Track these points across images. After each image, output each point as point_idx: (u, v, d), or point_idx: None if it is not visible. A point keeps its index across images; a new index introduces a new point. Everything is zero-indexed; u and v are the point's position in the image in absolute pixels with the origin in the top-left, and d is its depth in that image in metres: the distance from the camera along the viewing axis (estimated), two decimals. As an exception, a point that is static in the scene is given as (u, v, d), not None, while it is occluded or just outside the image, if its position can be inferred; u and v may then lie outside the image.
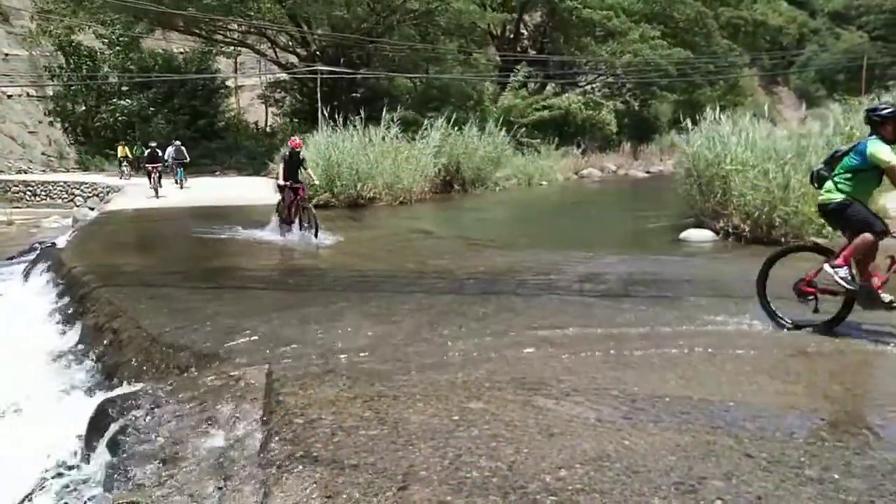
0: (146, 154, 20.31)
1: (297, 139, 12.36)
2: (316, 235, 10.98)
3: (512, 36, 37.82)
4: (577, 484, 2.82)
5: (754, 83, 51.91)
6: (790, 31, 45.55)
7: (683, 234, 10.50)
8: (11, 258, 12.95)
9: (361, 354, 4.69)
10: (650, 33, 34.66)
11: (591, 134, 33.94)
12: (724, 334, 5.29)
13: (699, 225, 10.76)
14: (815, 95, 53.30)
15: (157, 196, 18.76)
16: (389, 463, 3.02)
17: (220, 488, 3.05)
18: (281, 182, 11.61)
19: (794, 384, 4.18)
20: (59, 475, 4.09)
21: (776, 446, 3.22)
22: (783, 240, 9.47)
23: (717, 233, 10.35)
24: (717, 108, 12.56)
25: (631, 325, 5.53)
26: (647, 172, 31.20)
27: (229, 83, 37.86)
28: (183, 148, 21.80)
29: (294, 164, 11.70)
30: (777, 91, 61.22)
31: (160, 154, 20.42)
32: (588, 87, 38.39)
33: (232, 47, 34.27)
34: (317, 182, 14.31)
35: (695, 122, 12.29)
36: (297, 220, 11.55)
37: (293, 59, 31.90)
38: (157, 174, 19.33)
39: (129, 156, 25.82)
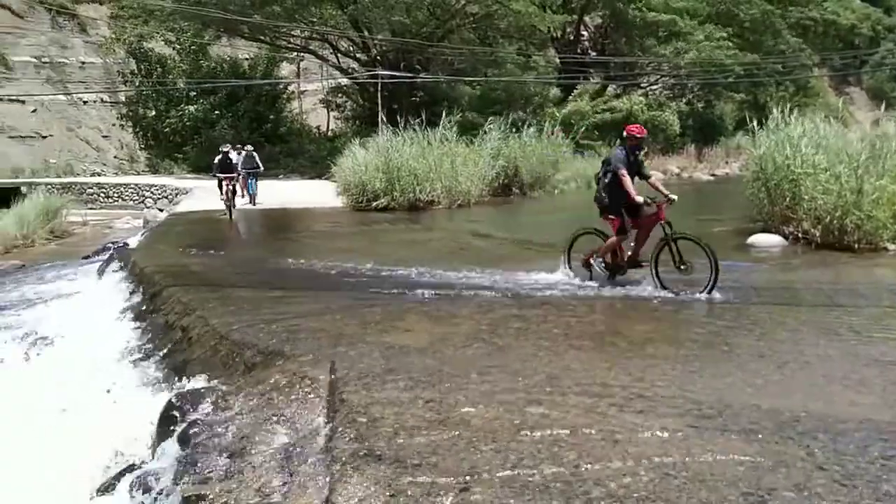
0: (216, 162, 16.22)
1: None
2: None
3: (572, 38, 37.47)
4: (642, 491, 2.78)
5: (824, 84, 50.13)
6: (863, 29, 43.73)
7: (751, 239, 10.22)
8: (87, 257, 13.52)
9: (422, 355, 4.72)
10: (716, 34, 33.86)
11: (654, 136, 33.32)
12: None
13: (767, 230, 10.45)
14: (890, 96, 51.09)
15: (230, 217, 15.61)
16: (451, 464, 3.03)
17: (285, 483, 3.11)
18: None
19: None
20: (132, 467, 4.24)
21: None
22: (856, 246, 9.15)
23: (786, 238, 10.03)
24: (786, 110, 12.18)
25: (689, 333, 5.42)
26: (712, 175, 30.46)
27: (292, 88, 38.64)
28: (255, 154, 18.42)
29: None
30: (849, 91, 58.91)
31: (233, 161, 16.84)
32: (650, 89, 37.75)
33: (295, 53, 35.00)
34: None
35: (761, 124, 11.94)
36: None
37: (354, 64, 32.36)
38: (231, 186, 15.97)
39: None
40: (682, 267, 6.80)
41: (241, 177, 17.47)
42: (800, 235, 9.89)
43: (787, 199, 10.26)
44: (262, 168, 18.72)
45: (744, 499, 2.76)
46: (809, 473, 2.98)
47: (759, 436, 3.36)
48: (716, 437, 3.32)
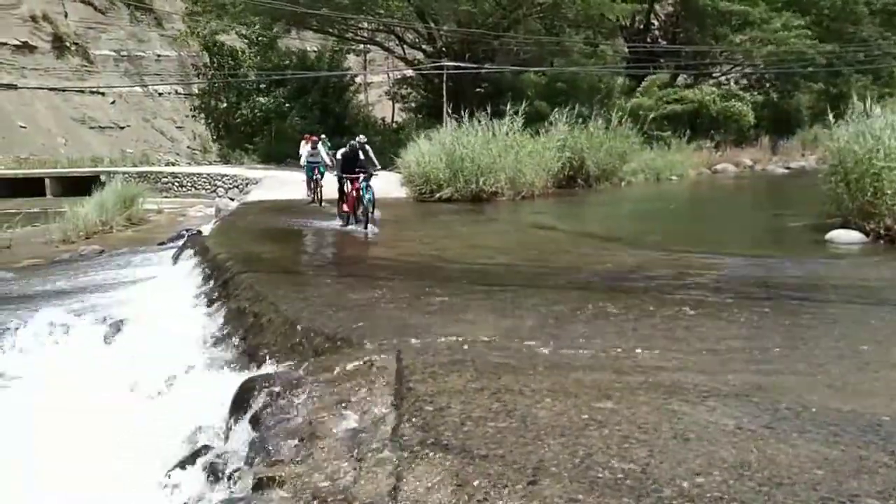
0: (338, 156, 12.69)
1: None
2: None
3: (642, 26, 36.67)
4: (716, 492, 2.71)
5: (910, 73, 47.67)
6: (954, 14, 41.31)
7: (829, 235, 9.82)
8: (162, 244, 14.01)
9: (487, 347, 4.71)
10: (793, 22, 32.58)
11: (726, 127, 32.37)
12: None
13: (846, 225, 10.02)
14: (982, 85, 48.32)
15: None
16: (518, 456, 3.02)
17: (354, 468, 3.16)
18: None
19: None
20: (206, 448, 4.37)
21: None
22: (944, 243, 8.69)
23: (867, 234, 9.60)
24: (868, 100, 11.64)
25: (770, 329, 5.25)
26: (787, 168, 29.43)
27: (358, 80, 39.08)
28: (369, 149, 12.41)
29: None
30: (938, 81, 55.96)
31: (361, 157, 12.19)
32: (723, 79, 36.65)
33: (362, 45, 35.36)
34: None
35: (840, 115, 11.45)
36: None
37: (419, 55, 32.49)
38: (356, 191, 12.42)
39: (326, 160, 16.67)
40: None
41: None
42: (882, 232, 9.45)
43: (869, 193, 9.81)
44: (378, 167, 12.78)
45: (823, 503, 2.66)
46: (895, 479, 2.85)
47: (840, 438, 3.23)
48: (793, 438, 3.21)
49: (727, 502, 2.64)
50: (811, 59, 31.42)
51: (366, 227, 11.49)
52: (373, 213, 11.83)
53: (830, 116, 11.52)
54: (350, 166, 12.14)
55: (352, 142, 12.24)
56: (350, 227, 12.12)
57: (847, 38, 34.64)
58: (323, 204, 15.68)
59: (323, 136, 18.71)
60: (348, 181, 12.15)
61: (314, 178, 16.30)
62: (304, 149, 16.54)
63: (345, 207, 12.35)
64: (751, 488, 2.75)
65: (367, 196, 11.62)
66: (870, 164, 9.82)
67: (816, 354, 4.67)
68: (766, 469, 2.90)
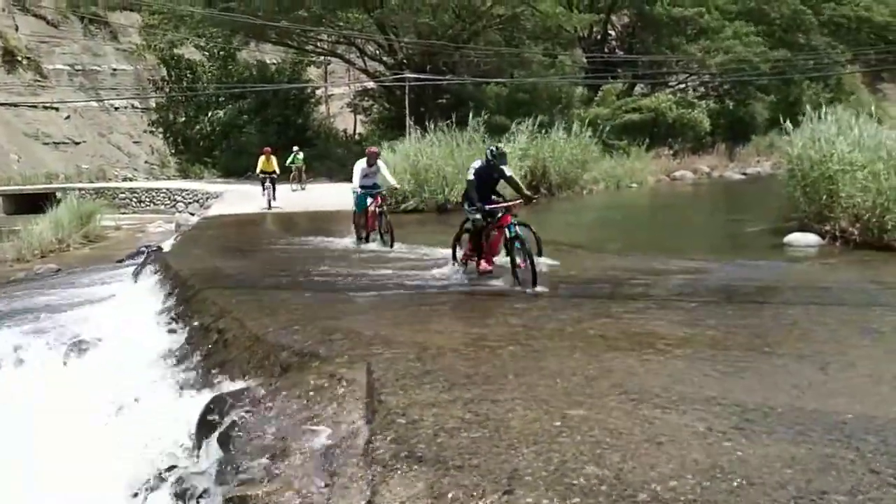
0: (470, 174, 7.98)
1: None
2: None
3: (599, 37, 37.25)
4: (689, 494, 2.74)
5: (857, 81, 49.19)
6: (897, 26, 42.77)
7: (787, 238, 10.05)
8: (121, 261, 13.71)
9: (457, 357, 4.70)
10: (744, 30, 33.43)
11: (683, 135, 33.00)
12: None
13: (803, 228, 10.27)
14: (925, 92, 50.08)
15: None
16: (493, 466, 3.01)
17: (327, 485, 3.11)
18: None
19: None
20: (172, 468, 4.28)
21: None
22: (897, 244, 8.96)
23: (822, 237, 9.85)
24: (821, 108, 11.99)
25: (733, 332, 5.34)
26: (743, 174, 30.08)
27: (319, 92, 38.93)
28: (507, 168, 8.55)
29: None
30: (882, 89, 57.84)
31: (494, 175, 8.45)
32: (679, 87, 37.39)
33: (322, 57, 35.25)
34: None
35: (794, 122, 11.77)
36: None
37: (381, 67, 32.51)
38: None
39: (277, 170, 19.11)
40: None
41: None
42: (837, 234, 9.70)
43: (824, 197, 10.08)
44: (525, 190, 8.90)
45: (794, 502, 2.70)
46: (861, 477, 2.90)
47: (807, 438, 3.29)
48: (763, 439, 3.26)
49: (701, 505, 2.66)
50: (758, 66, 32.20)
51: (534, 286, 7.07)
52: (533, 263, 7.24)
53: (788, 123, 11.81)
54: (486, 191, 7.95)
55: (490, 148, 7.99)
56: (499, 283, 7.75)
57: (798, 48, 35.66)
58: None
59: (295, 147, 19.33)
60: (476, 216, 7.73)
61: (374, 209, 11.54)
62: (359, 167, 11.40)
63: (485, 265, 7.95)
64: (724, 490, 2.78)
65: (518, 243, 7.41)
66: (825, 169, 10.10)
67: (779, 356, 4.76)
68: (737, 470, 2.93)
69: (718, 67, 33.11)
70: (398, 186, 12.73)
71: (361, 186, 11.32)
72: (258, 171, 18.60)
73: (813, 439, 3.27)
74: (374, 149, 12.04)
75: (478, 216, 7.65)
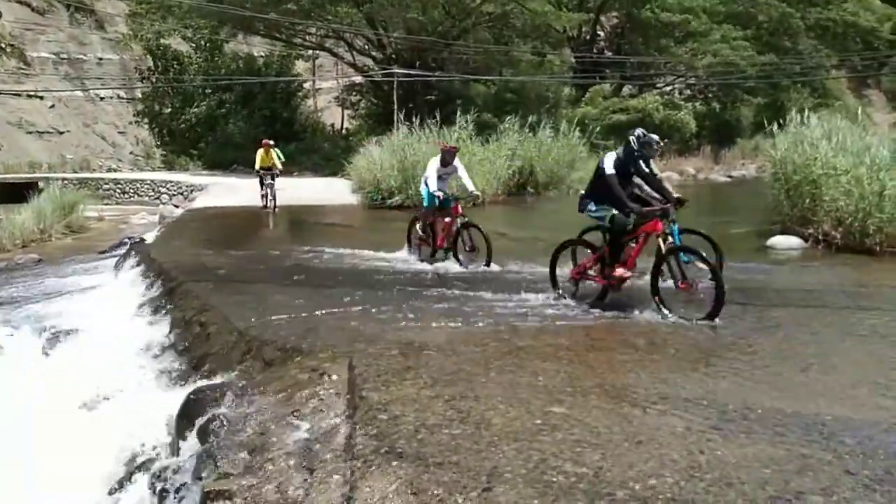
0: (608, 167, 6.37)
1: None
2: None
3: (588, 37, 37.33)
4: (668, 493, 2.75)
5: (843, 86, 49.61)
6: (883, 31, 43.13)
7: (770, 241, 10.11)
8: (103, 252, 13.59)
9: (441, 352, 4.69)
10: (731, 34, 33.61)
11: (670, 136, 33.15)
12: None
13: (786, 231, 10.34)
14: (909, 98, 50.60)
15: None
16: (473, 463, 3.01)
17: (306, 480, 3.10)
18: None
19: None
20: (151, 462, 4.24)
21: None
22: (878, 248, 9.04)
23: (805, 240, 9.93)
24: (805, 111, 12.07)
25: (715, 333, 5.37)
26: (729, 177, 30.23)
27: (307, 86, 38.72)
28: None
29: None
30: (868, 94, 58.39)
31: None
32: (667, 89, 37.56)
33: (310, 51, 35.04)
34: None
35: (780, 125, 11.83)
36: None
37: (369, 62, 32.38)
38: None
39: (279, 165, 16.20)
40: None
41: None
42: (820, 237, 9.77)
43: (807, 200, 10.15)
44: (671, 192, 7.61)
45: (771, 502, 2.72)
46: (837, 477, 2.93)
47: (785, 438, 3.31)
48: (741, 439, 3.28)
49: (679, 503, 2.67)
50: (744, 70, 32.38)
51: (713, 317, 5.64)
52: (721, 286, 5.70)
53: (774, 127, 11.87)
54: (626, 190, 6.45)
55: (638, 133, 6.46)
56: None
57: (784, 51, 35.91)
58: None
59: (271, 142, 17.42)
60: (627, 221, 6.29)
61: (450, 221, 9.09)
62: (433, 166, 9.20)
63: (622, 271, 6.38)
64: (702, 489, 2.79)
65: (685, 260, 6.10)
66: (808, 173, 10.18)
67: (760, 357, 4.79)
68: (715, 469, 2.95)
69: (705, 70, 33.28)
70: (478, 194, 9.43)
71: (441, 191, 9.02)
72: (256, 167, 15.99)
73: (791, 440, 3.30)
74: (451, 145, 9.77)
75: (629, 221, 6.19)
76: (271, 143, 16.50)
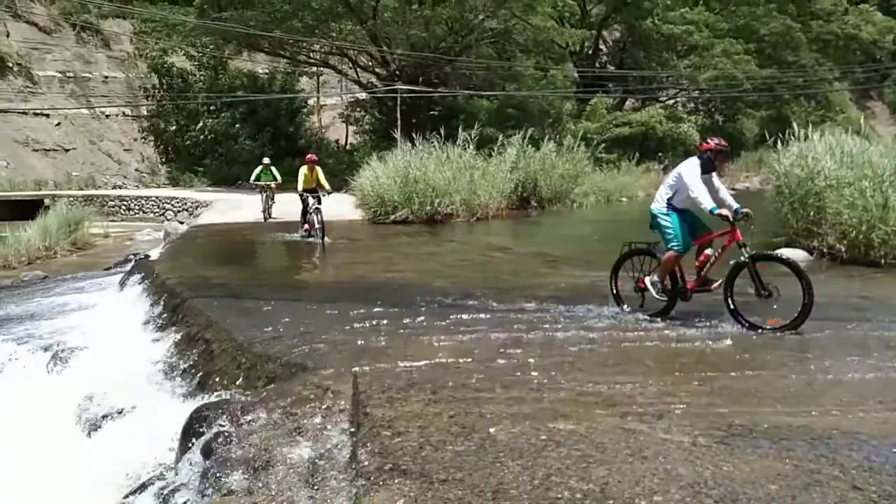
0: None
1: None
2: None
3: (591, 52, 37.52)
4: (674, 509, 2.73)
5: (846, 98, 49.73)
6: (885, 43, 43.30)
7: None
8: (108, 269, 13.61)
9: (445, 369, 4.68)
10: (733, 48, 33.75)
11: (673, 149, 33.23)
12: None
13: (791, 244, 10.33)
14: (913, 110, 50.69)
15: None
16: (478, 479, 2.99)
17: (311, 498, 3.08)
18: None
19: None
20: (155, 479, 4.22)
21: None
22: (883, 261, 9.02)
23: (810, 252, 9.91)
24: (808, 125, 12.10)
25: (720, 345, 5.35)
26: (733, 190, 30.00)
27: (311, 102, 38.95)
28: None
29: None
30: (870, 106, 58.51)
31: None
32: (669, 102, 37.68)
33: (315, 67, 35.28)
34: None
35: (783, 139, 11.87)
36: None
37: (373, 78, 32.59)
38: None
39: (326, 186, 14.03)
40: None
41: None
42: (825, 250, 9.76)
43: (811, 213, 10.15)
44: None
45: (779, 519, 2.70)
46: (845, 493, 2.91)
47: (792, 453, 3.29)
48: (747, 454, 3.26)
49: (685, 520, 2.66)
50: (742, 83, 32.46)
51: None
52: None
53: (776, 140, 11.91)
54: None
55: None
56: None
57: (787, 64, 36.05)
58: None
59: (266, 160, 17.77)
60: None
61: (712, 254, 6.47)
62: (694, 171, 6.15)
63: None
64: (709, 505, 2.77)
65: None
66: (812, 186, 10.18)
67: (766, 370, 4.77)
68: (722, 485, 2.93)
69: (708, 83, 33.41)
70: (747, 211, 6.24)
71: (674, 207, 6.39)
72: (299, 188, 13.46)
73: (798, 455, 3.28)
74: (718, 141, 6.30)
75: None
76: (315, 157, 14.40)
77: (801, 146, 11.21)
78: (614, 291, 6.80)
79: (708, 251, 6.26)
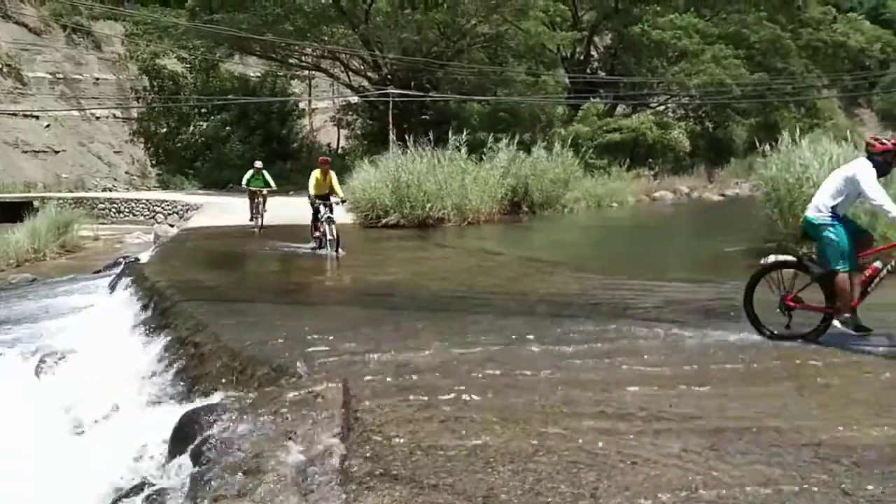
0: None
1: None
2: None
3: (582, 58, 37.66)
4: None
5: (834, 105, 50.07)
6: (873, 51, 43.67)
7: (765, 260, 10.14)
8: (98, 272, 13.52)
9: (436, 374, 4.68)
10: (723, 54, 33.93)
11: (664, 155, 33.34)
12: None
13: (780, 250, 10.37)
14: (900, 117, 51.13)
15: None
16: (469, 485, 3.00)
17: (301, 503, 3.07)
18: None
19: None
20: (144, 484, 4.20)
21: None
22: (871, 267, 9.06)
23: (798, 258, 9.95)
24: (797, 131, 12.17)
25: (710, 352, 5.37)
26: (722, 196, 30.40)
27: (303, 105, 38.91)
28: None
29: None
30: (859, 113, 58.96)
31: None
32: (660, 108, 37.84)
33: (306, 71, 35.25)
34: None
35: (772, 145, 11.94)
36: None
37: (365, 82, 32.59)
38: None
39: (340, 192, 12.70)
40: None
41: None
42: (814, 256, 9.80)
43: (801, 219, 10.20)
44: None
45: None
46: (834, 499, 2.92)
47: (781, 459, 3.31)
48: (737, 459, 3.28)
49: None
50: (731, 89, 32.60)
51: None
52: None
53: (765, 147, 11.98)
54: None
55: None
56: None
57: (776, 71, 36.27)
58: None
59: (258, 163, 16.95)
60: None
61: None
62: (869, 171, 5.44)
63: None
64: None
65: None
66: (800, 192, 10.23)
67: (757, 376, 4.79)
68: (712, 490, 2.94)
69: (698, 90, 33.59)
70: None
71: (836, 217, 5.64)
72: (311, 192, 12.29)
73: (787, 460, 3.30)
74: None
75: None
76: (328, 160, 13.26)
77: (789, 152, 11.27)
78: (752, 315, 5.84)
79: (877, 264, 5.54)
